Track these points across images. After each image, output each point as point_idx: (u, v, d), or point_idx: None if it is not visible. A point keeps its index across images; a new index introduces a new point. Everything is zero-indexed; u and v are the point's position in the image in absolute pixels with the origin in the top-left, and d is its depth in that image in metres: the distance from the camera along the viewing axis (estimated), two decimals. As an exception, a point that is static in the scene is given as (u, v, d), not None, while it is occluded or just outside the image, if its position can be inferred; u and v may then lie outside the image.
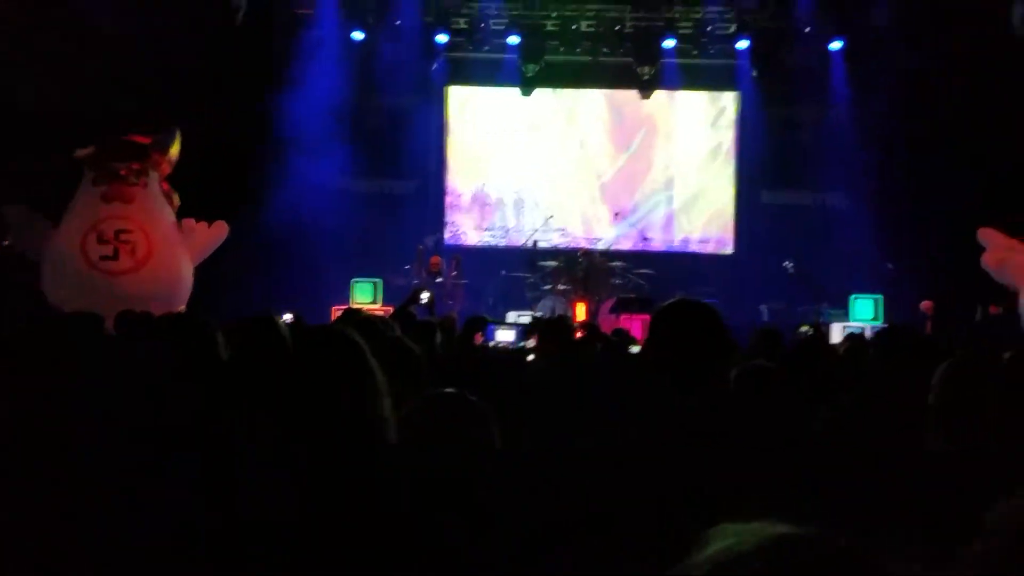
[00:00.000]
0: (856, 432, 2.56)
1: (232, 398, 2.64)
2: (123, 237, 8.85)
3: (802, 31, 12.02)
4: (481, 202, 13.92)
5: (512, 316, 11.07)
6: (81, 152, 9.10)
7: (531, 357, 4.70)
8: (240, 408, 2.42)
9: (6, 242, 9.03)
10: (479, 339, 5.32)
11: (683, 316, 2.20)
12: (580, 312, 11.13)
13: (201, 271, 9.88)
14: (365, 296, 11.56)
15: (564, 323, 4.41)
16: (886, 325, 8.81)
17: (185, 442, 2.44)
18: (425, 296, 9.88)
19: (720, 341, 2.19)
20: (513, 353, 5.16)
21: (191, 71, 10.48)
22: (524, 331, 5.36)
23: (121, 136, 9.13)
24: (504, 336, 5.38)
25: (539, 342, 4.83)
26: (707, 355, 2.15)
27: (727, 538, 0.77)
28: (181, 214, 9.70)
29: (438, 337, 5.23)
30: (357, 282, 11.76)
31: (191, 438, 2.45)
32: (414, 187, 13.54)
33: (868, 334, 7.70)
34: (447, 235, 13.69)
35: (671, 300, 2.29)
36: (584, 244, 12.87)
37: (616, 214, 12.96)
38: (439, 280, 11.40)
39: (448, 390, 2.12)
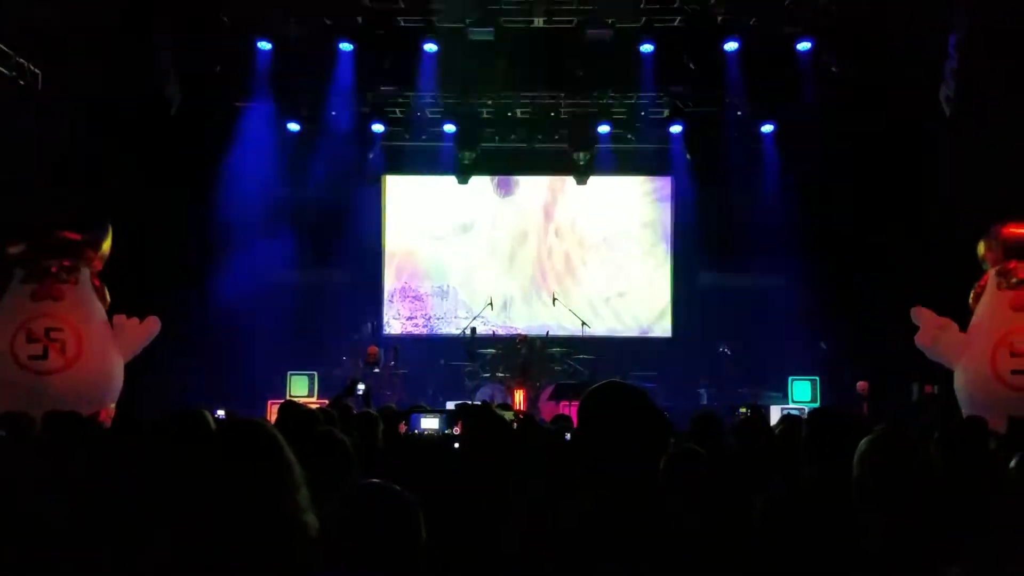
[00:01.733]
0: (790, 518, 2.58)
1: (155, 493, 2.60)
2: (53, 335, 8.62)
3: (734, 115, 12.43)
4: (416, 291, 13.92)
5: (451, 405, 10.98)
6: (11, 249, 8.90)
7: (456, 445, 4.68)
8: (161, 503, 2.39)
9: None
10: (402, 428, 5.27)
11: (612, 398, 2.19)
12: (519, 399, 11.07)
13: (134, 366, 9.63)
14: (301, 389, 11.42)
15: (488, 409, 4.39)
16: (816, 407, 8.93)
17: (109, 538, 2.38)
18: (361, 387, 9.78)
19: (650, 422, 2.19)
20: (439, 441, 5.12)
21: (125, 163, 10.41)
22: (449, 418, 5.32)
23: (52, 232, 8.97)
24: (429, 424, 5.33)
25: (464, 429, 4.81)
26: (637, 436, 2.14)
27: None
28: (112, 309, 9.49)
29: (380, 428, 5.17)
30: (293, 375, 11.61)
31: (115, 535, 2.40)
32: (350, 277, 13.51)
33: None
34: (385, 324, 13.62)
35: (600, 383, 2.28)
36: (522, 331, 12.89)
37: (555, 299, 13.06)
38: (376, 370, 11.30)
39: (373, 480, 2.11)
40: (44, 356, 8.59)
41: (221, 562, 1.89)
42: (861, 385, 10.67)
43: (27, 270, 8.86)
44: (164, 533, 2.05)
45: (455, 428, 5.15)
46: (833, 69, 11.29)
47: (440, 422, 5.25)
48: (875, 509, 2.22)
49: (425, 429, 5.25)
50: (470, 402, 7.62)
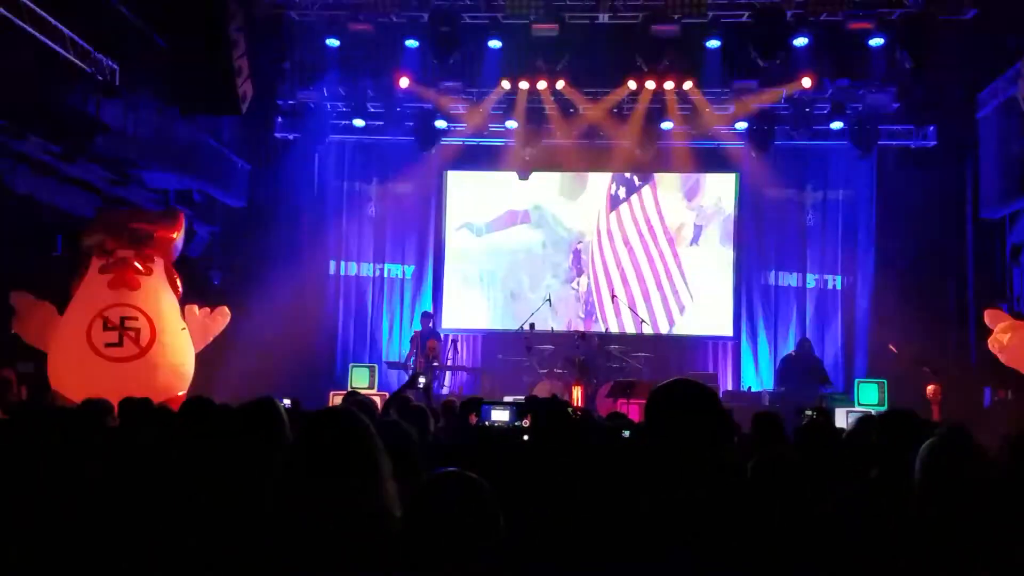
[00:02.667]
0: (855, 521, 2.54)
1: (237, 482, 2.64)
2: (128, 324, 8.90)
3: (803, 111, 12.21)
4: (476, 286, 13.99)
5: (508, 400, 11.04)
6: (89, 239, 9.21)
7: (526, 437, 4.68)
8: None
9: (12, 330, 9.06)
10: (473, 419, 5.31)
11: (679, 397, 2.19)
12: (576, 396, 11.05)
13: (203, 356, 9.90)
14: (362, 381, 11.56)
15: (559, 404, 4.40)
16: (889, 409, 8.71)
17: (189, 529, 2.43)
18: (422, 381, 9.91)
19: (718, 423, 2.19)
20: (509, 433, 5.14)
21: (196, 157, 10.72)
22: (518, 411, 5.35)
23: (128, 223, 9.25)
24: (499, 416, 5.36)
25: (533, 422, 4.83)
26: (705, 438, 2.14)
27: None
28: (184, 300, 9.76)
29: (432, 423, 5.24)
30: (355, 366, 11.78)
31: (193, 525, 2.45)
32: (411, 271, 13.66)
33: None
34: (444, 318, 13.74)
35: (667, 381, 2.28)
36: (581, 328, 12.88)
37: (613, 296, 13.00)
38: (435, 364, 11.40)
39: (448, 469, 2.10)
40: (119, 343, 8.86)
41: (307, 552, 1.89)
42: (931, 389, 10.40)
43: (104, 259, 9.14)
44: (246, 523, 2.07)
45: (524, 421, 5.17)
46: (906, 66, 11.03)
47: (510, 414, 5.27)
48: (935, 513, 2.17)
49: (495, 421, 5.28)
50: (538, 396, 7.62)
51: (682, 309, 13.61)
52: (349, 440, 2.05)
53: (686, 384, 2.19)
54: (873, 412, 9.44)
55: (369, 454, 2.04)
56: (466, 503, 1.97)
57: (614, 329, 13.01)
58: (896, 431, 2.99)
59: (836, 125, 12.28)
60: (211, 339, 9.97)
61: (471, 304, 13.95)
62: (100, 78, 9.03)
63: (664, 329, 13.40)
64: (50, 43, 8.25)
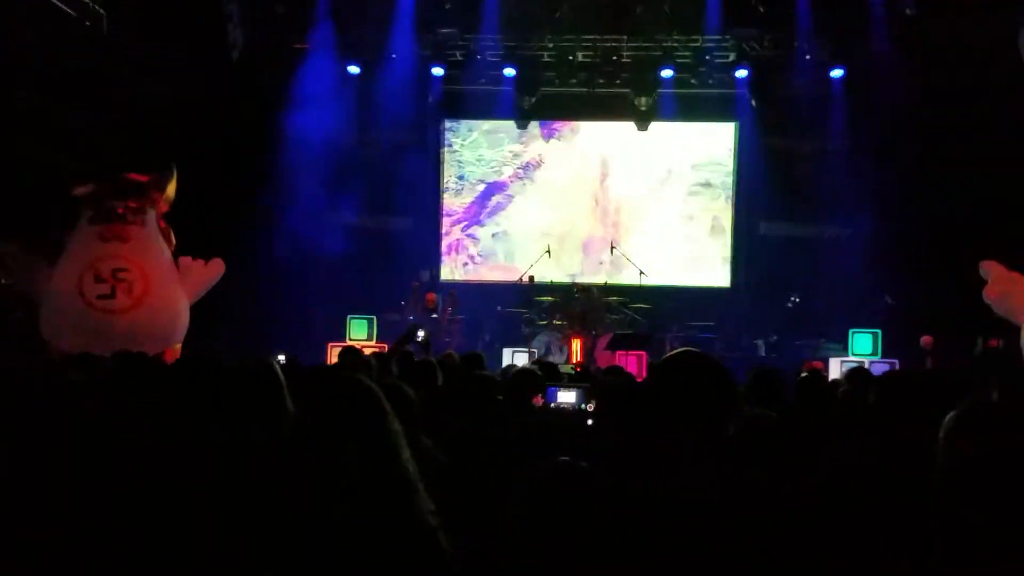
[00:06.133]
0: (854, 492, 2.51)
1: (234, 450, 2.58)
2: (120, 276, 8.82)
3: (803, 59, 12.01)
4: (474, 237, 13.92)
5: (508, 352, 11.02)
6: (79, 190, 9.09)
7: (590, 422, 4.62)
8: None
9: (2, 280, 9.00)
10: (539, 401, 5.24)
11: (686, 367, 2.15)
12: (576, 348, 11.06)
13: (198, 307, 9.85)
14: (360, 332, 11.54)
15: (627, 387, 4.31)
16: (892, 369, 8.69)
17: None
18: (421, 334, 9.86)
19: (728, 398, 2.15)
20: (573, 416, 5.07)
21: (188, 107, 10.53)
22: (586, 393, 5.29)
23: (118, 174, 9.12)
24: (566, 398, 5.31)
25: (598, 408, 4.78)
26: (715, 414, 2.10)
27: None
28: (177, 252, 9.68)
29: (439, 378, 5.18)
30: (353, 318, 11.74)
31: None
32: (409, 222, 13.55)
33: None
34: (443, 270, 13.68)
35: (674, 352, 2.23)
36: (580, 279, 12.84)
37: (612, 247, 12.92)
38: (434, 316, 11.37)
39: (562, 460, 1.97)
40: (112, 296, 8.79)
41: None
42: (926, 339, 10.42)
43: (94, 211, 9.03)
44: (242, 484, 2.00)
45: (589, 405, 5.11)
46: (907, 12, 10.82)
47: (577, 396, 5.21)
48: (966, 495, 2.10)
49: (562, 403, 5.23)
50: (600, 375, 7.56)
51: (681, 260, 13.57)
52: (360, 415, 1.94)
53: (692, 355, 2.15)
54: (866, 363, 9.50)
55: (380, 424, 1.94)
56: (577, 498, 1.87)
57: (613, 280, 12.97)
58: (899, 394, 2.93)
59: (836, 73, 12.11)
60: (205, 290, 9.91)
61: (470, 256, 13.89)
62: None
63: (663, 280, 13.36)
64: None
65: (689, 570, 1.88)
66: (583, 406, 5.12)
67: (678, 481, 2.01)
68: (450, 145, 13.99)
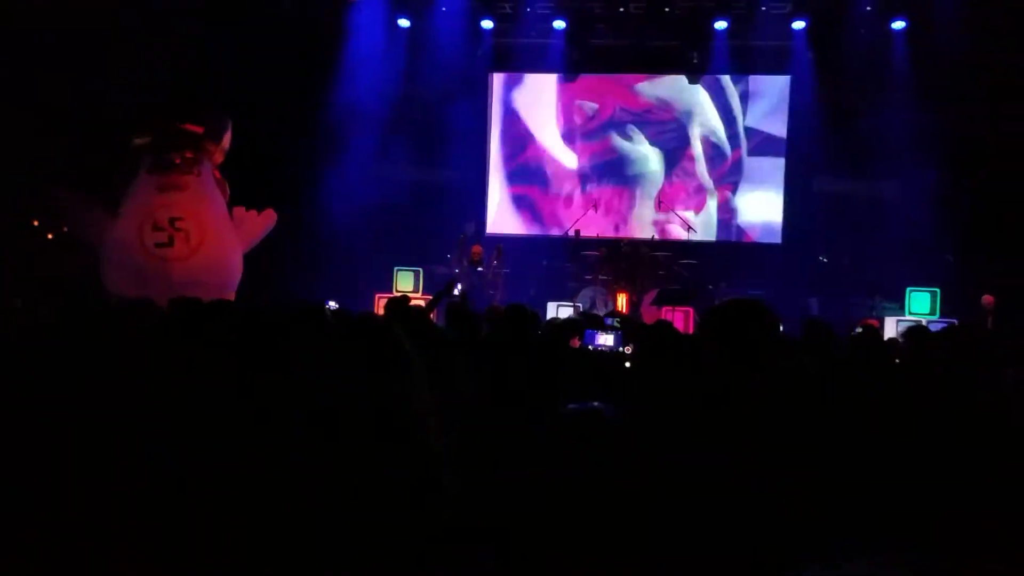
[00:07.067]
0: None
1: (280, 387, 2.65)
2: (178, 224, 8.98)
3: (863, 10, 11.63)
4: (521, 190, 13.88)
5: (552, 307, 11.04)
6: (137, 141, 9.25)
7: (628, 364, 4.66)
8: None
9: (64, 228, 9.23)
10: (576, 343, 5.28)
11: (738, 318, 2.14)
12: (621, 303, 11.03)
13: (249, 258, 10.02)
14: (407, 284, 11.67)
15: (669, 331, 4.31)
16: (952, 323, 8.50)
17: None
18: (458, 288, 9.93)
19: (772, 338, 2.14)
20: (611, 357, 5.10)
21: (240, 60, 10.62)
22: (624, 336, 5.32)
23: (175, 125, 9.25)
24: (604, 340, 5.35)
25: (636, 350, 4.79)
26: (761, 357, 2.10)
27: None
28: (231, 202, 9.83)
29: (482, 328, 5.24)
30: (400, 270, 11.85)
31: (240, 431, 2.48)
32: (457, 175, 13.54)
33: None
34: (489, 223, 13.68)
35: (723, 302, 2.23)
36: (627, 233, 12.75)
37: (660, 202, 12.79)
38: (480, 269, 11.41)
39: (585, 405, 1.94)
40: (170, 244, 8.97)
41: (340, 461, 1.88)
42: (987, 299, 10.17)
43: (152, 161, 9.19)
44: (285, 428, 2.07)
45: (627, 348, 5.15)
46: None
47: (615, 339, 5.25)
48: None
49: (601, 345, 5.28)
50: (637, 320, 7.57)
51: (731, 215, 13.39)
52: (380, 348, 2.03)
53: (741, 305, 2.14)
54: (924, 322, 9.31)
55: (400, 362, 2.02)
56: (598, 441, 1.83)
57: (661, 236, 12.87)
58: (959, 348, 2.88)
59: (898, 25, 11.73)
60: (258, 241, 10.06)
61: (516, 208, 13.87)
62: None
63: (711, 235, 13.21)
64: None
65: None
66: (621, 348, 5.14)
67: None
68: (498, 98, 13.90)
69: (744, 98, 13.42)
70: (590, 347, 5.30)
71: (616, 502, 1.78)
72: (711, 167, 13.50)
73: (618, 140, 13.66)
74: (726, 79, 13.31)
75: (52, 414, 2.50)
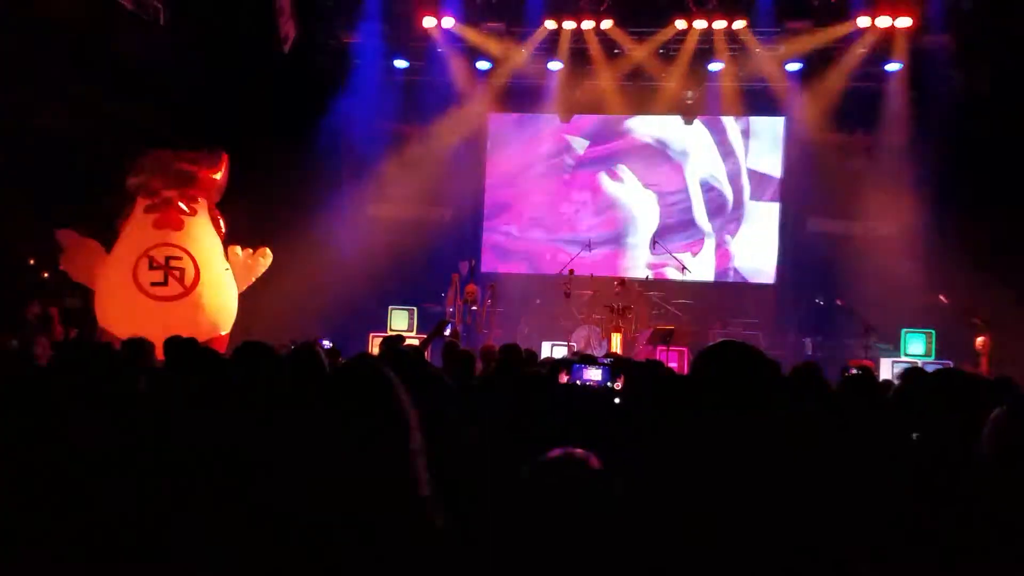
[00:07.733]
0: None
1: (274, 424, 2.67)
2: (173, 264, 9.01)
3: (857, 52, 11.75)
4: (515, 230, 13.92)
5: (547, 346, 11.02)
6: (134, 179, 9.30)
7: (617, 400, 4.62)
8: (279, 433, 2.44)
9: (60, 267, 9.24)
10: (564, 378, 5.27)
11: (729, 359, 2.13)
12: (616, 342, 11.00)
13: (244, 296, 10.01)
14: (401, 323, 11.66)
15: (654, 367, 4.30)
16: (946, 366, 8.47)
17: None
18: (448, 329, 9.94)
19: (769, 388, 2.13)
20: (600, 393, 5.07)
21: (239, 99, 10.72)
22: (611, 372, 5.29)
23: (172, 163, 9.31)
24: (592, 375, 5.32)
25: (626, 384, 4.78)
26: (756, 402, 2.08)
27: None
28: (227, 241, 9.85)
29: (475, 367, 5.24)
30: (394, 309, 11.87)
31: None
32: (451, 214, 13.60)
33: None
34: (483, 262, 13.71)
35: (714, 344, 2.22)
36: (621, 273, 12.76)
37: (654, 242, 12.80)
38: (474, 308, 11.41)
39: (567, 451, 1.87)
40: (164, 283, 8.99)
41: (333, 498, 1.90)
42: (981, 340, 10.17)
43: (149, 199, 9.23)
44: (276, 467, 2.09)
45: (616, 383, 5.12)
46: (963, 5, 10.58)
47: (603, 374, 5.22)
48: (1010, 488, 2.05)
49: (588, 380, 5.24)
50: (631, 359, 7.54)
51: (724, 255, 13.42)
52: (372, 391, 2.07)
53: (735, 346, 2.13)
54: (919, 363, 9.29)
55: (391, 405, 2.06)
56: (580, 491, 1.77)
57: (655, 275, 12.88)
58: (947, 391, 2.87)
59: (892, 67, 11.85)
60: (253, 280, 10.07)
61: (510, 249, 13.91)
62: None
63: (705, 276, 13.22)
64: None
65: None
66: (609, 384, 5.11)
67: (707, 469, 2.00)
68: (494, 138, 13.99)
69: (738, 138, 13.48)
70: (578, 382, 5.27)
71: (605, 551, 1.76)
72: (706, 206, 13.52)
73: (613, 181, 13.73)
74: (721, 119, 13.40)
75: (45, 451, 2.50)
